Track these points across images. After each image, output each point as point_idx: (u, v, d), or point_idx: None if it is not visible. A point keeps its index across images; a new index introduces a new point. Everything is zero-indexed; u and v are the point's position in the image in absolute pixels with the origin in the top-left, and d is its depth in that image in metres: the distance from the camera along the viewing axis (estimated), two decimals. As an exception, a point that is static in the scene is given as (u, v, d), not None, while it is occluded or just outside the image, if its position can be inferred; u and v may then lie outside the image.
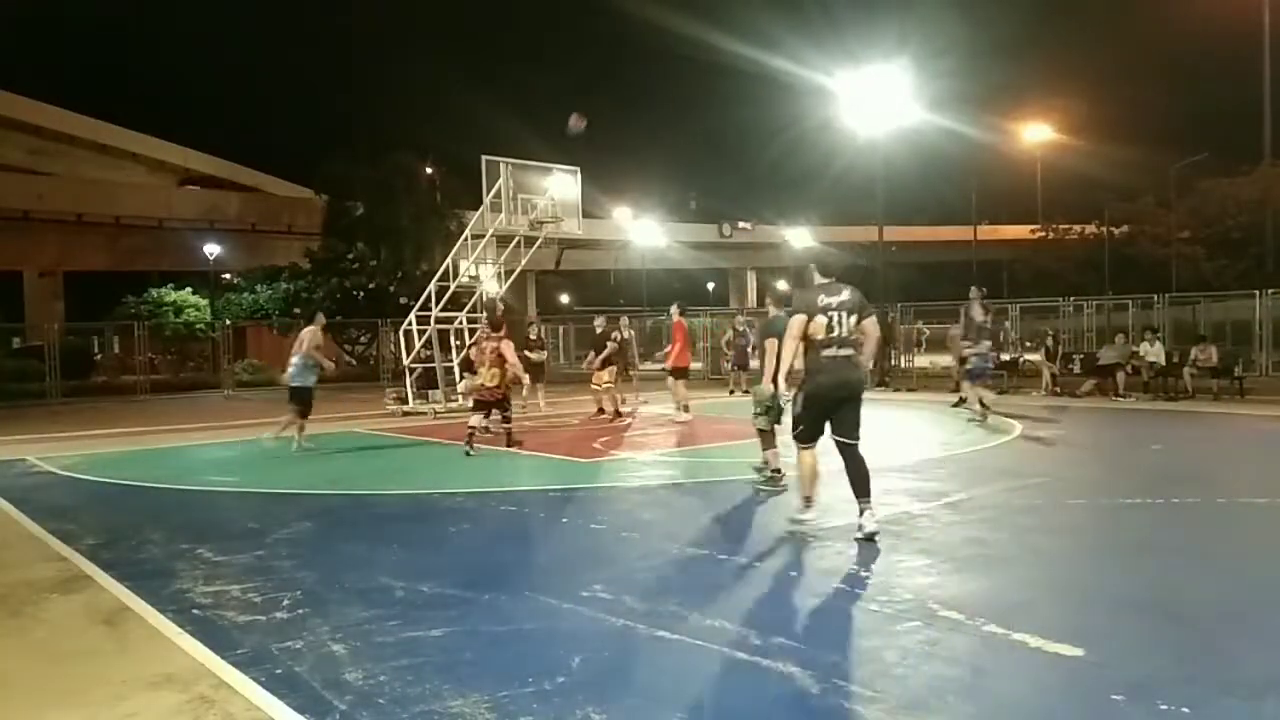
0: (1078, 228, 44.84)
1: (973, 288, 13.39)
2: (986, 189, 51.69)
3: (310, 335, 11.11)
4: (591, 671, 3.56)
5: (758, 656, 3.64)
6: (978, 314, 12.59)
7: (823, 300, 5.62)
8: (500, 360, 10.05)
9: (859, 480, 5.65)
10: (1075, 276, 39.78)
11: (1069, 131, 49.26)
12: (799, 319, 5.64)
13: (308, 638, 4.01)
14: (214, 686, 3.49)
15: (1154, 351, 15.88)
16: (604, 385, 13.79)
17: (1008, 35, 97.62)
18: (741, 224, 59.22)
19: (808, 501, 5.87)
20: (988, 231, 55.48)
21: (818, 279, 5.80)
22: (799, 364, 5.76)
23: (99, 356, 32.63)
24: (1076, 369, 17.63)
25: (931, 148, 40.93)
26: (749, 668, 3.55)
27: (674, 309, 14.09)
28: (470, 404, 13.65)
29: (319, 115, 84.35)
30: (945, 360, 24.69)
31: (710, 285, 70.54)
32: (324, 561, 5.44)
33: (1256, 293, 19.15)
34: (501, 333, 10.29)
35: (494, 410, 10.29)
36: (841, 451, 5.72)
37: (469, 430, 10.18)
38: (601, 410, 13.96)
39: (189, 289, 38.23)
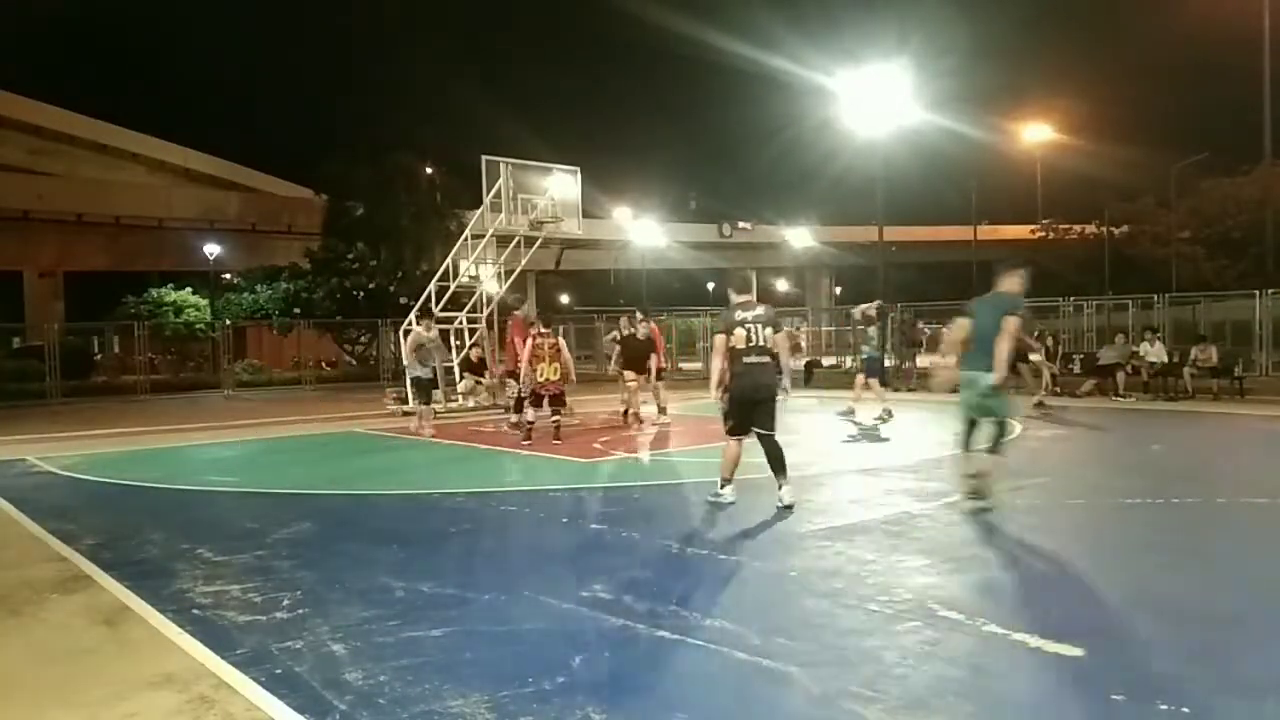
0: (1078, 228, 44.84)
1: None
2: (986, 189, 51.72)
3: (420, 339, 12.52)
4: (591, 671, 3.56)
5: (758, 656, 3.64)
6: (871, 313, 12.84)
7: (739, 315, 6.58)
8: (558, 355, 10.84)
9: (775, 462, 6.59)
10: (1075, 276, 39.77)
11: (1069, 131, 49.32)
12: (720, 337, 6.66)
13: (308, 638, 4.01)
14: (214, 686, 3.50)
15: (1154, 351, 15.88)
16: (630, 385, 13.42)
17: (1008, 35, 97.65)
18: (741, 224, 59.14)
19: (725, 482, 6.70)
20: (988, 231, 55.45)
21: (736, 298, 6.77)
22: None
23: (99, 356, 32.60)
24: (1076, 369, 17.64)
25: (931, 148, 40.95)
26: (749, 668, 3.55)
27: (638, 315, 13.98)
28: (472, 400, 13.77)
29: (319, 115, 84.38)
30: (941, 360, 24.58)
31: (710, 285, 70.56)
32: (324, 561, 5.44)
33: (1256, 293, 19.15)
34: (549, 329, 11.08)
35: (546, 404, 10.87)
36: (760, 440, 6.62)
37: (529, 425, 10.90)
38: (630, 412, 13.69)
39: (189, 289, 38.20)
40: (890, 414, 12.14)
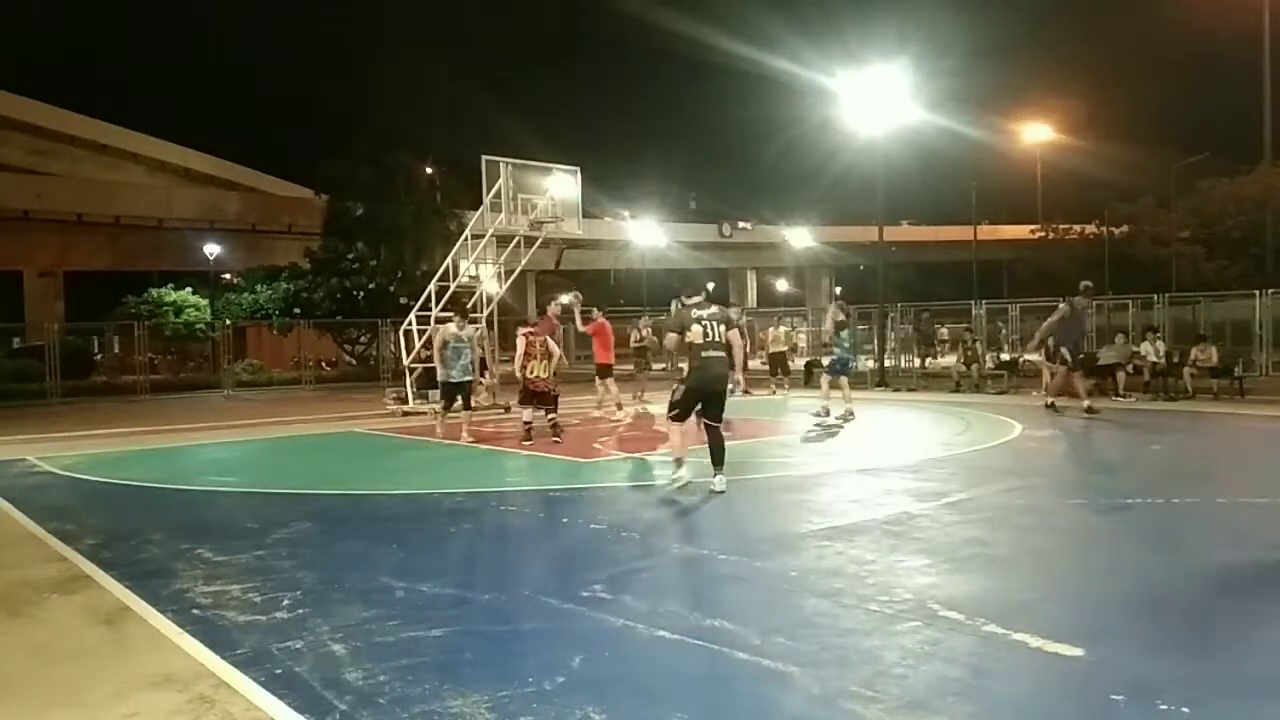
0: (1078, 228, 44.84)
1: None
2: (986, 189, 51.72)
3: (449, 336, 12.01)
4: (591, 671, 3.56)
5: (758, 656, 3.64)
6: (837, 315, 12.83)
7: (695, 314, 7.18)
8: (548, 353, 10.75)
9: (716, 452, 7.23)
10: (1076, 276, 39.77)
11: (1069, 131, 49.35)
12: (673, 336, 7.28)
13: (308, 638, 4.01)
14: (214, 686, 3.49)
15: (1154, 351, 15.88)
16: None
17: (1008, 35, 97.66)
18: (741, 224, 59.21)
19: (679, 463, 7.24)
20: (988, 231, 55.48)
21: (689, 299, 7.34)
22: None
23: (99, 356, 32.60)
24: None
25: (931, 148, 40.90)
26: (749, 668, 3.55)
27: (595, 312, 14.49)
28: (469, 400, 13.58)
29: (319, 115, 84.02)
30: (943, 360, 24.69)
31: (710, 285, 70.56)
32: (324, 561, 5.44)
33: (1256, 293, 19.15)
34: (534, 327, 11.00)
35: (541, 403, 10.80)
36: (706, 429, 7.30)
37: (526, 425, 10.75)
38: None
39: (189, 289, 38.19)
40: (852, 414, 12.24)
